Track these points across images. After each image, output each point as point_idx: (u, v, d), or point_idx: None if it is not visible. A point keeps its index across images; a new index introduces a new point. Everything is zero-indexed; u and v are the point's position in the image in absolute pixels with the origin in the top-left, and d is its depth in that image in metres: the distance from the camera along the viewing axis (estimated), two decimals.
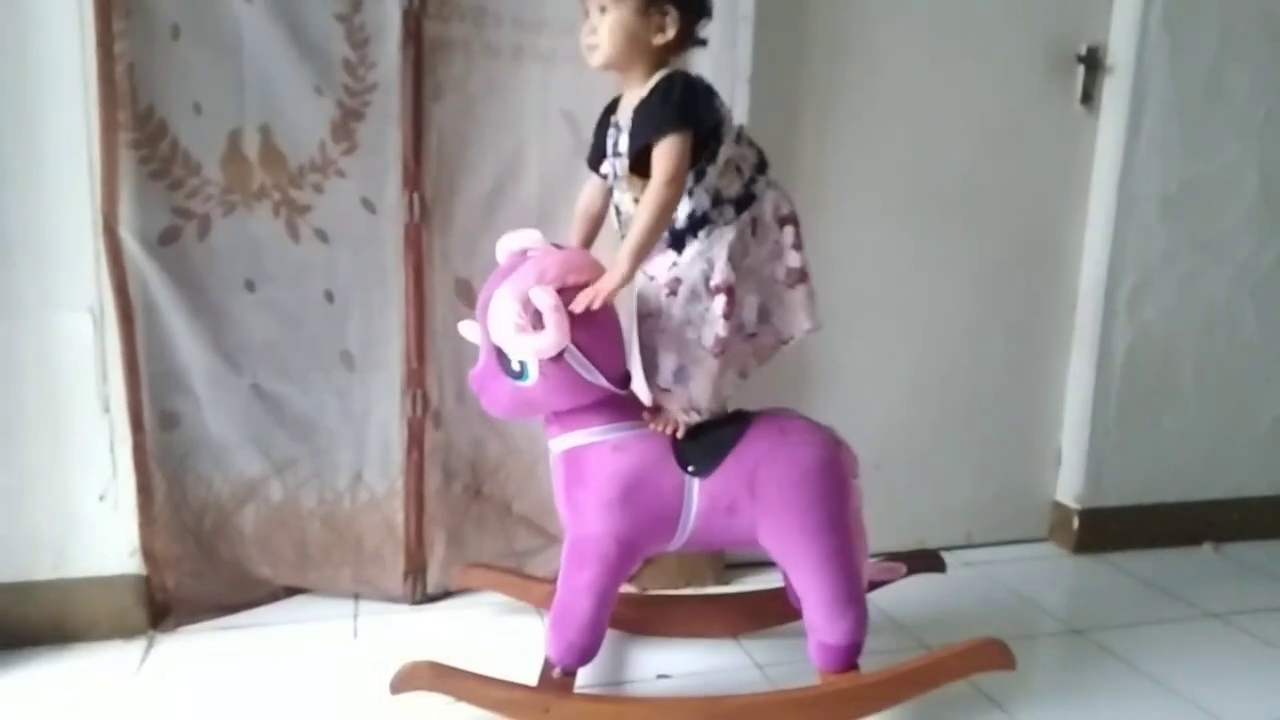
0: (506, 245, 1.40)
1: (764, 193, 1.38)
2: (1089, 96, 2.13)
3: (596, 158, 1.45)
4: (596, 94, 1.77)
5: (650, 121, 1.31)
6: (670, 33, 1.33)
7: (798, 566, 1.40)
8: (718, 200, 1.35)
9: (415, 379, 1.79)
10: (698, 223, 1.35)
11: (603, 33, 1.32)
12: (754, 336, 1.41)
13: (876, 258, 2.05)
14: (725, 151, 1.34)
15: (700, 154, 1.33)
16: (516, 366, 1.32)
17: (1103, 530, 2.22)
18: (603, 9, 1.31)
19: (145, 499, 1.68)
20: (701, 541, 1.43)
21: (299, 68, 1.64)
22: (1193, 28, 2.09)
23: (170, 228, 1.64)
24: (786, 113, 1.94)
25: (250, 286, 1.70)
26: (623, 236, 1.39)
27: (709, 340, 1.35)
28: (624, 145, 1.36)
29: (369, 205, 1.73)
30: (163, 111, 1.60)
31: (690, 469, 1.38)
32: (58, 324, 1.61)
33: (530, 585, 1.76)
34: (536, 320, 1.28)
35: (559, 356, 1.30)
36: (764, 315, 1.41)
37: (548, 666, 1.42)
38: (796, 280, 1.40)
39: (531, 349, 1.29)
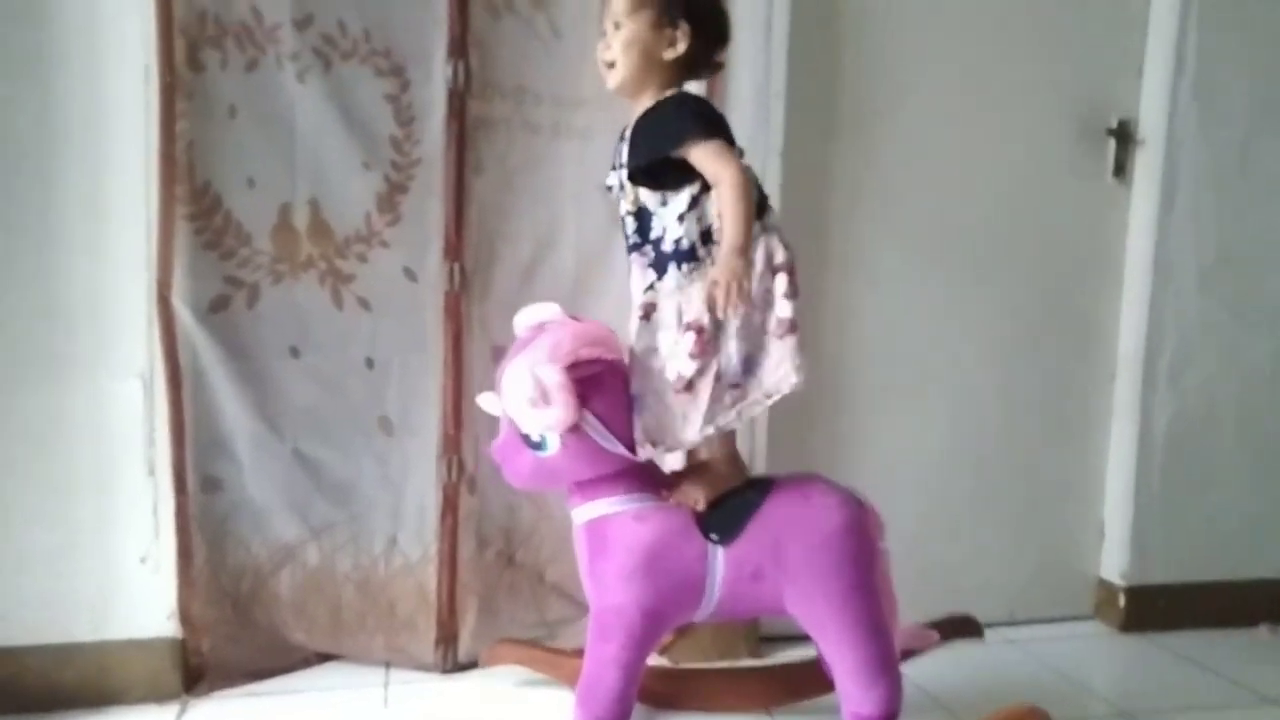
0: (525, 319, 1.42)
1: (758, 237, 1.35)
2: (1121, 169, 2.15)
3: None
4: None
5: (665, 129, 1.31)
6: (681, 47, 1.33)
7: (827, 633, 1.37)
8: (707, 237, 1.35)
9: (452, 444, 1.81)
10: (683, 254, 1.34)
11: (617, 48, 1.34)
12: (737, 387, 1.36)
13: (910, 327, 2.06)
14: None
15: (695, 178, 1.33)
16: (537, 438, 1.33)
17: (1150, 608, 2.15)
18: (617, 25, 1.34)
19: (185, 562, 1.70)
20: (729, 611, 1.41)
21: (348, 144, 1.72)
22: (1223, 99, 2.11)
23: (220, 296, 1.70)
24: (818, 185, 1.98)
25: (295, 353, 1.75)
26: (629, 247, 1.39)
27: (671, 375, 1.33)
28: (625, 157, 1.37)
29: (411, 274, 1.78)
30: (218, 186, 1.68)
31: (713, 536, 1.37)
32: (110, 388, 1.67)
33: (560, 661, 1.74)
34: (546, 396, 1.29)
35: (578, 427, 1.31)
36: (749, 366, 1.35)
37: None
38: (786, 330, 1.34)
39: (541, 424, 1.30)
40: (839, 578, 1.36)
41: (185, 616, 1.70)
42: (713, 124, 1.32)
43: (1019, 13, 2.05)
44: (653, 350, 1.35)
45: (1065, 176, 2.13)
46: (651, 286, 1.36)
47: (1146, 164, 2.13)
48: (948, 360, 2.09)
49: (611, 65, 1.36)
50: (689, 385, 1.33)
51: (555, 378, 1.28)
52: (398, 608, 1.82)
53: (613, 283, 1.85)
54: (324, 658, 1.82)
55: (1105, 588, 2.20)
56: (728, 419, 1.36)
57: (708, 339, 1.32)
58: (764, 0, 1.82)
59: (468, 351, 1.81)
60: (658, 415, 1.35)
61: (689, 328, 1.33)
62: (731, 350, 1.34)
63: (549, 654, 1.76)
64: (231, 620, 1.74)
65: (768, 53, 1.83)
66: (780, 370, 1.34)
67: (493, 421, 1.79)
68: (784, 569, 1.36)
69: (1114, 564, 2.18)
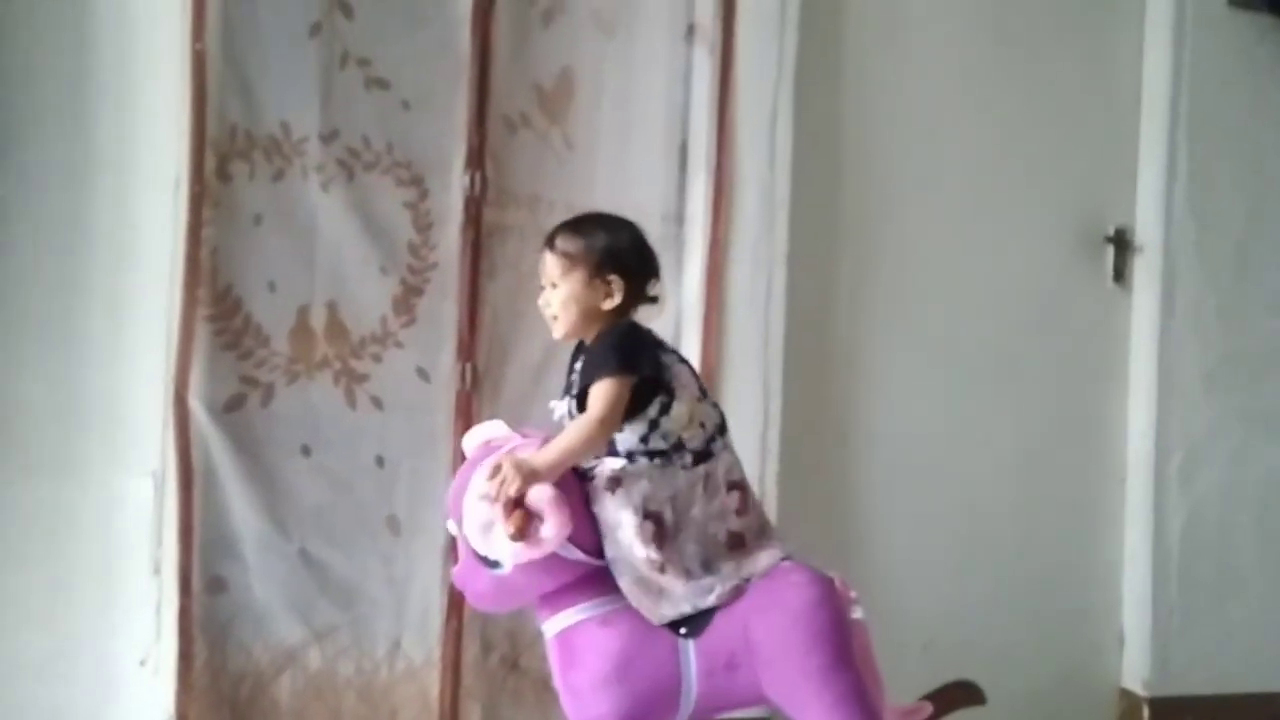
0: (473, 438, 1.43)
1: (720, 453, 1.41)
2: (1120, 275, 2.19)
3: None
4: None
5: (591, 364, 1.37)
6: (617, 298, 1.40)
7: (809, 715, 1.32)
8: (679, 447, 1.38)
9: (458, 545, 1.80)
10: (655, 453, 1.37)
11: (556, 306, 1.41)
12: (711, 573, 1.37)
13: (917, 433, 2.06)
14: (686, 406, 1.38)
15: (647, 403, 1.36)
16: (492, 558, 1.32)
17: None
18: (554, 284, 1.41)
19: (185, 665, 1.67)
20: (710, 706, 1.37)
21: (368, 249, 1.77)
22: (1217, 204, 2.16)
23: (236, 395, 1.72)
24: (823, 292, 2.02)
25: (306, 452, 1.76)
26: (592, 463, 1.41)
27: (640, 554, 1.34)
28: (576, 387, 1.41)
29: (424, 374, 1.81)
30: (239, 289, 1.72)
31: (682, 631, 1.35)
32: (121, 486, 1.68)
33: None
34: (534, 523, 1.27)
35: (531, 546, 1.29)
36: (708, 567, 1.38)
37: None
38: (735, 545, 1.39)
39: (524, 553, 1.27)
40: (814, 654, 1.32)
41: None
42: (626, 362, 1.36)
43: (1016, 124, 2.13)
44: (618, 525, 1.36)
45: (1066, 283, 2.17)
46: (623, 467, 1.38)
47: (1145, 270, 2.18)
48: (956, 467, 2.08)
49: (555, 319, 1.43)
50: (662, 568, 1.35)
51: (548, 492, 1.28)
52: (399, 715, 1.77)
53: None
54: None
55: (1128, 698, 2.13)
56: (708, 600, 1.36)
57: (664, 534, 1.35)
58: (768, 112, 1.90)
59: None
60: (635, 584, 1.35)
61: (648, 516, 1.35)
62: (690, 553, 1.36)
63: None
64: None
65: (772, 163, 1.91)
66: (746, 565, 1.37)
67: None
68: (757, 653, 1.33)
69: (1136, 673, 2.12)
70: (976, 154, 2.11)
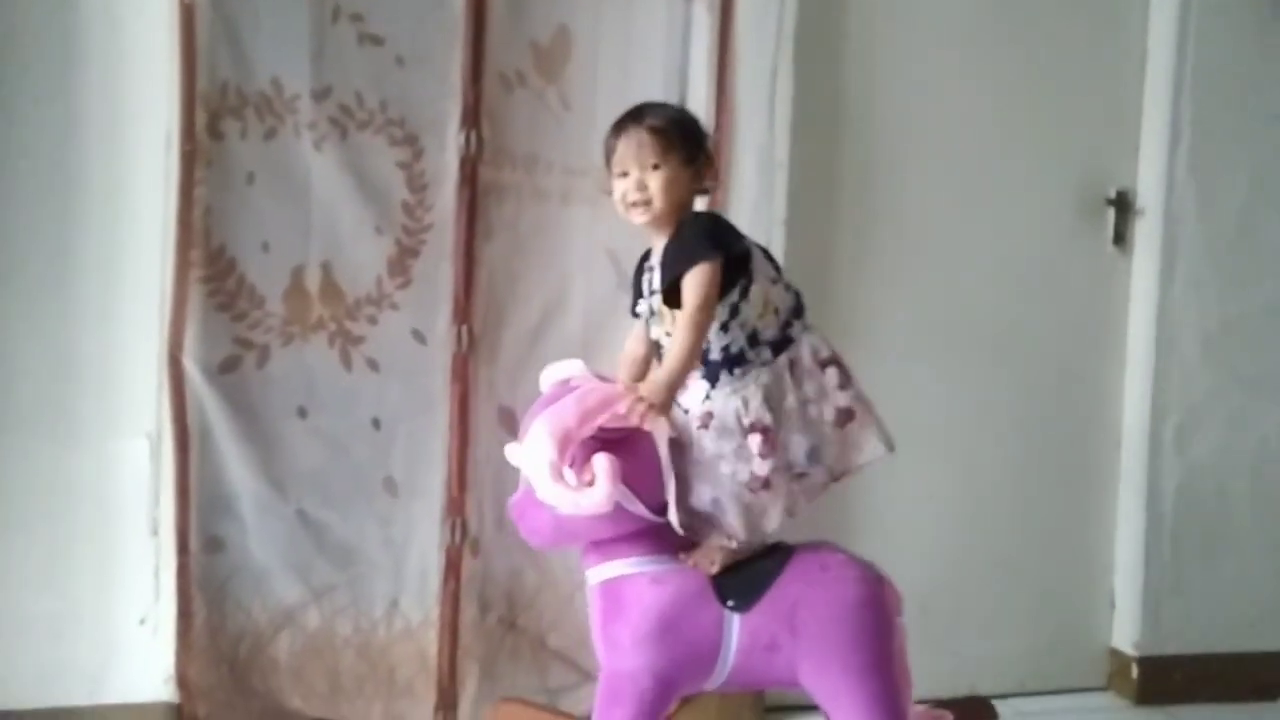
0: (550, 375, 1.44)
1: (800, 336, 1.40)
2: (1121, 238, 2.18)
3: (635, 303, 1.50)
4: (639, 234, 1.87)
5: (682, 253, 1.36)
6: (708, 179, 1.40)
7: (840, 708, 1.35)
8: (754, 340, 1.38)
9: (455, 507, 1.81)
10: (733, 359, 1.37)
11: (655, 188, 1.37)
12: (803, 476, 1.39)
13: (914, 397, 2.04)
14: (761, 289, 1.38)
15: (731, 287, 1.36)
16: (549, 500, 1.32)
17: (1165, 680, 2.11)
18: (655, 166, 1.38)
19: (184, 624, 1.68)
20: (741, 681, 1.39)
21: (362, 210, 1.75)
22: (1219, 169, 2.14)
23: (231, 357, 1.72)
24: (822, 255, 2.00)
25: (302, 414, 1.76)
26: None
27: (744, 476, 1.35)
28: (658, 283, 1.41)
29: (419, 336, 1.80)
30: (233, 250, 1.71)
31: (730, 604, 1.36)
32: (117, 448, 1.68)
33: None
34: (580, 471, 1.28)
35: None
36: (814, 455, 1.39)
37: None
38: (845, 420, 1.39)
39: (573, 504, 1.28)
40: (856, 651, 1.34)
41: (183, 681, 1.68)
42: (717, 244, 1.35)
43: (1018, 86, 2.10)
44: (719, 457, 1.36)
45: (1067, 245, 2.16)
46: (707, 396, 1.38)
47: (1146, 233, 2.16)
48: (953, 431, 2.08)
49: (644, 204, 1.40)
50: (766, 483, 1.36)
51: (607, 466, 1.27)
52: (397, 673, 1.79)
53: (620, 346, 1.87)
54: None
55: (1118, 658, 2.16)
56: (799, 505, 1.40)
57: (773, 437, 1.36)
58: (768, 72, 1.88)
59: (474, 413, 1.82)
60: (740, 516, 1.37)
61: (754, 429, 1.35)
62: (795, 444, 1.38)
63: (554, 717, 1.72)
64: (229, 685, 1.71)
65: (771, 124, 1.88)
66: (849, 452, 1.40)
67: (498, 484, 1.80)
68: (800, 640, 1.34)
69: (1126, 634, 2.15)
70: (977, 116, 2.09)
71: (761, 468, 1.35)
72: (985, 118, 2.09)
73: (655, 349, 1.46)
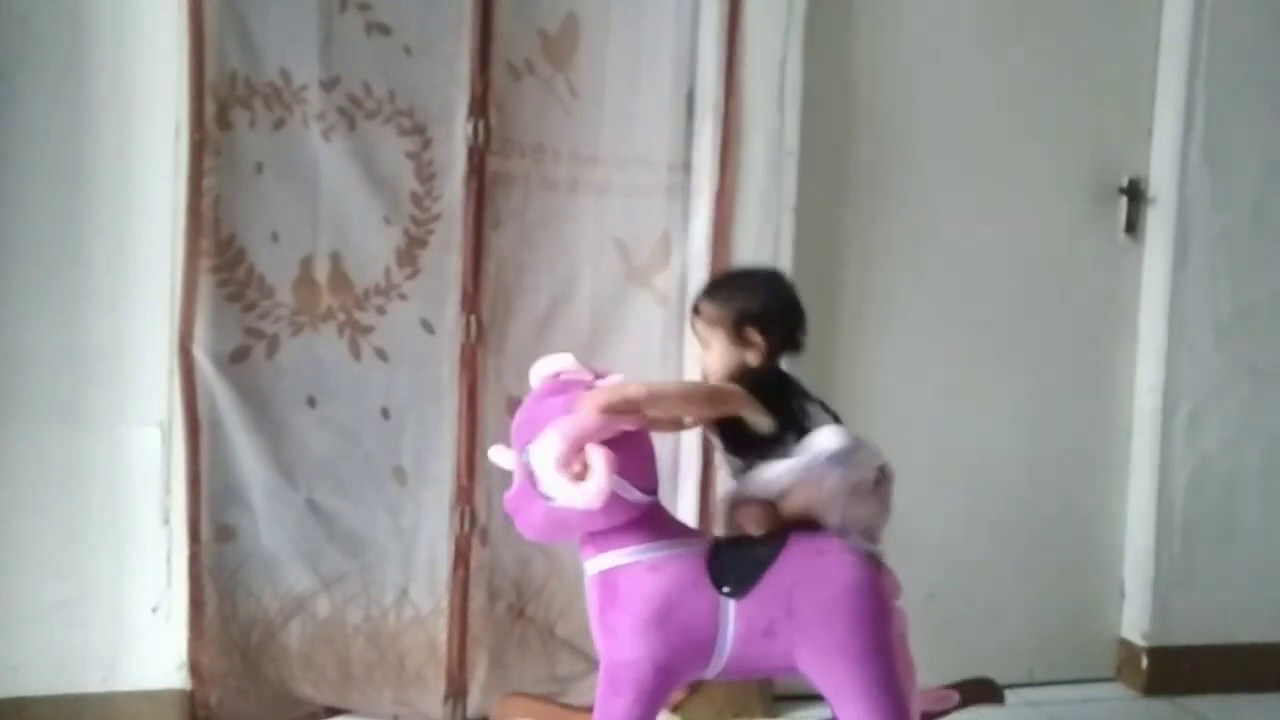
0: (540, 370, 1.44)
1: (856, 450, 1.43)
2: (1133, 226, 2.16)
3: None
4: (647, 224, 1.87)
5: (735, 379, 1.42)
6: (758, 354, 1.44)
7: (840, 692, 1.35)
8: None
9: (465, 495, 1.81)
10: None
11: (710, 364, 1.46)
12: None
13: (924, 385, 2.05)
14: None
15: (779, 445, 1.40)
16: (549, 493, 1.33)
17: (1175, 671, 2.10)
18: (706, 345, 1.47)
19: (196, 612, 1.70)
20: (740, 668, 1.39)
21: (370, 200, 1.75)
22: (1233, 157, 2.12)
23: (241, 347, 1.72)
24: (831, 244, 1.99)
25: (312, 403, 1.76)
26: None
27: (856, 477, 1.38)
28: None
29: (428, 326, 1.80)
30: (242, 240, 1.71)
31: (725, 590, 1.36)
32: (128, 436, 1.69)
33: (572, 717, 1.71)
34: (582, 470, 1.29)
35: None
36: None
37: None
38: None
39: (568, 497, 1.29)
40: (855, 635, 1.34)
41: (195, 668, 1.69)
42: (756, 387, 1.41)
43: (1030, 72, 2.09)
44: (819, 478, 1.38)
45: (1078, 234, 2.14)
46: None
47: (1158, 222, 2.15)
48: (963, 418, 2.08)
49: (707, 379, 1.48)
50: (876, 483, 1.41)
51: (599, 457, 1.28)
52: (407, 661, 1.80)
53: (627, 335, 1.87)
54: (331, 712, 1.80)
55: (1127, 648, 2.16)
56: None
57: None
58: (777, 61, 1.86)
59: (482, 403, 1.82)
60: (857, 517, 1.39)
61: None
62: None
63: (561, 710, 1.73)
64: (240, 672, 1.73)
65: (781, 111, 1.87)
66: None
67: (507, 474, 1.80)
68: (798, 625, 1.34)
69: (1135, 624, 2.14)
70: (989, 102, 2.07)
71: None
72: (997, 105, 2.08)
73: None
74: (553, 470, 1.29)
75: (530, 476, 1.35)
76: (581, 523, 1.36)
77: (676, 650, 1.36)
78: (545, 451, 1.31)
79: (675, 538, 1.40)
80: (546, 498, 1.34)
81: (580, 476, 1.28)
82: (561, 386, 1.39)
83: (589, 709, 1.51)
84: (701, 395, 1.43)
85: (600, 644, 1.40)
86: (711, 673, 1.39)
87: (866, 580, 1.36)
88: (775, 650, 1.36)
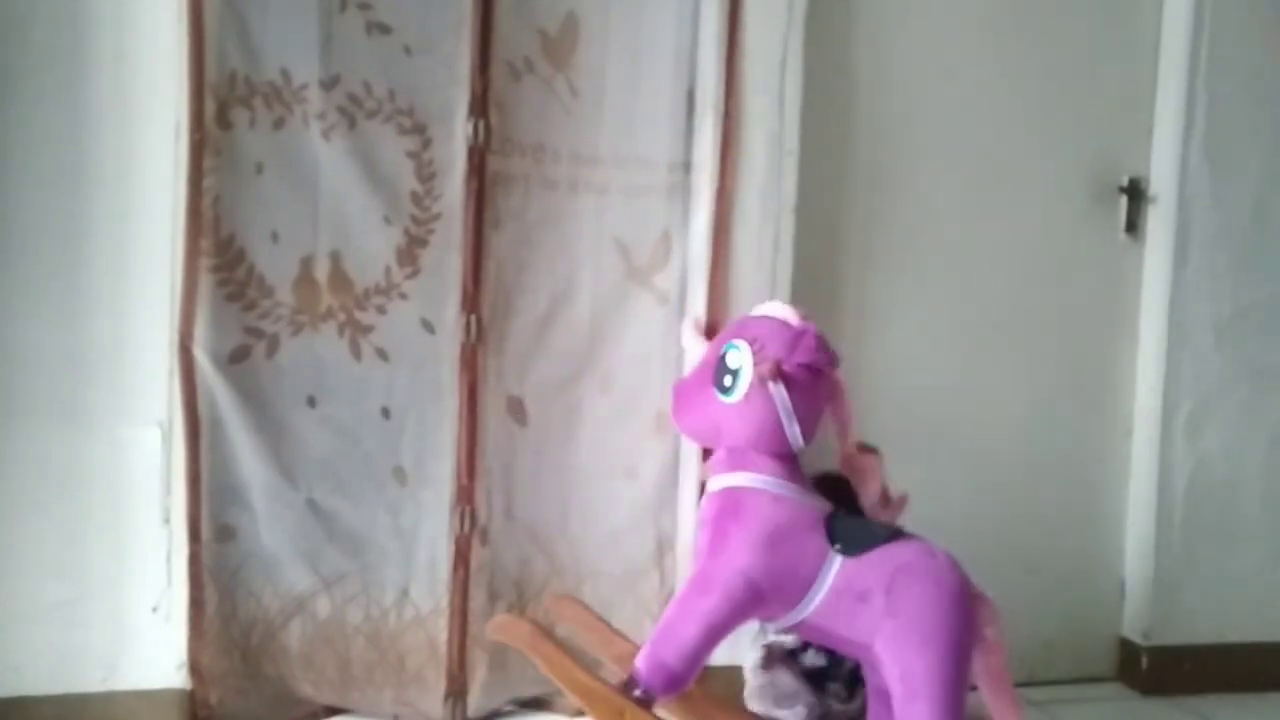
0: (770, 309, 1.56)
1: None
2: (1133, 226, 2.16)
3: None
4: (647, 223, 1.87)
5: None
6: None
7: (908, 689, 1.37)
8: None
9: (465, 495, 1.81)
10: None
11: None
12: None
13: (923, 384, 2.05)
14: None
15: None
16: (728, 381, 1.43)
17: (1175, 670, 2.10)
18: None
19: (196, 611, 1.69)
20: (821, 627, 1.43)
21: (370, 199, 1.75)
22: (1234, 157, 2.12)
23: (241, 346, 1.72)
24: (831, 242, 2.00)
25: (312, 403, 1.76)
26: None
27: None
28: None
29: (428, 326, 1.80)
30: (242, 240, 1.71)
31: (837, 545, 1.42)
32: (128, 436, 1.69)
33: (613, 639, 1.68)
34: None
35: (766, 391, 1.42)
36: None
37: (631, 683, 1.41)
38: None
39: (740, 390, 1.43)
40: (941, 634, 1.38)
41: (195, 668, 1.69)
42: None
43: (1031, 71, 2.09)
44: None
45: (1079, 233, 2.14)
46: None
47: (1159, 221, 2.15)
48: (963, 417, 2.08)
49: None
50: None
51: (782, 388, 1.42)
52: (407, 661, 1.80)
53: (627, 335, 1.87)
54: (331, 711, 1.80)
55: (1127, 648, 2.16)
56: None
57: None
58: (777, 61, 1.86)
59: (482, 402, 1.82)
60: None
61: None
62: None
63: (605, 628, 1.69)
64: (240, 672, 1.73)
65: (781, 111, 1.87)
66: None
67: (507, 473, 1.82)
68: (891, 606, 1.38)
69: (1136, 623, 2.14)
70: (990, 101, 2.07)
71: None
72: (997, 104, 2.08)
73: None
74: (748, 370, 1.41)
75: (718, 370, 1.46)
76: (734, 428, 1.45)
77: (774, 576, 1.41)
78: (749, 357, 1.42)
79: (805, 488, 1.48)
80: (722, 389, 1.44)
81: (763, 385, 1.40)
82: (789, 321, 1.49)
83: (632, 641, 1.57)
84: None
85: (704, 547, 1.45)
86: (795, 618, 1.43)
87: (967, 595, 1.42)
88: (861, 621, 1.40)
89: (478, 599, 1.82)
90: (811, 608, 1.40)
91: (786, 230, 1.86)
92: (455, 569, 1.81)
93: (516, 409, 1.83)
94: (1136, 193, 2.15)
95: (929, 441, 2.05)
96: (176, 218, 1.66)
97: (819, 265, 1.94)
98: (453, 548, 1.81)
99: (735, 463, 1.47)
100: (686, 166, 1.87)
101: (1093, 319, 2.16)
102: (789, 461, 1.48)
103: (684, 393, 1.51)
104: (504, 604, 1.85)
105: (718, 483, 1.47)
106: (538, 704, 1.85)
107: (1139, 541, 2.15)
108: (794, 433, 1.45)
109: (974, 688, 1.47)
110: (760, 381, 1.42)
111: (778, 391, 1.43)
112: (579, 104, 1.84)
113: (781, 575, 1.41)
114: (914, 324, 2.04)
